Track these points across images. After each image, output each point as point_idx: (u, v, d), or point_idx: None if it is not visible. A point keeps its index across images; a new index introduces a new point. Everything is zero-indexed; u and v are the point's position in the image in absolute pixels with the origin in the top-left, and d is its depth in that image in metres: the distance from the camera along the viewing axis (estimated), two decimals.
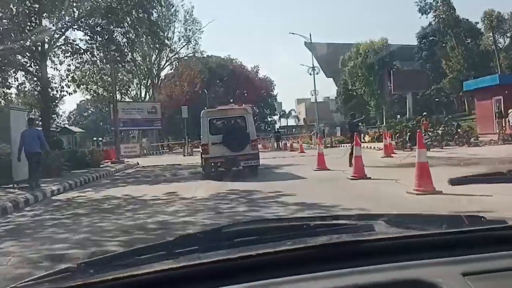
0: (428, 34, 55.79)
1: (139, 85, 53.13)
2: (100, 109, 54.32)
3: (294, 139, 41.07)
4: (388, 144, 22.33)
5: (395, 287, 0.90)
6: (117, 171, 20.79)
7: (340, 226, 1.35)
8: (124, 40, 25.95)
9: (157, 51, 52.04)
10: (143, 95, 52.85)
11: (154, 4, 26.12)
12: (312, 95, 76.57)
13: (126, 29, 25.85)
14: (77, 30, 25.91)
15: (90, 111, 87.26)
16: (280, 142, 36.76)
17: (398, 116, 33.59)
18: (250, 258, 0.96)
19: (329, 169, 14.69)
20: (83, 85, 26.59)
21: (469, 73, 40.99)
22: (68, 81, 26.25)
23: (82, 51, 26.08)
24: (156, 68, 52.83)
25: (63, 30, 25.41)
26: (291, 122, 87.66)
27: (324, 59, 76.63)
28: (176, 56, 53.82)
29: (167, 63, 53.78)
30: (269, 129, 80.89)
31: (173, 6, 51.90)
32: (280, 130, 38.36)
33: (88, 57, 26.44)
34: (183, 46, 53.31)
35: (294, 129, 70.30)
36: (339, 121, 69.84)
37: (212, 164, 13.97)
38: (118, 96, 51.01)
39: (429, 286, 0.88)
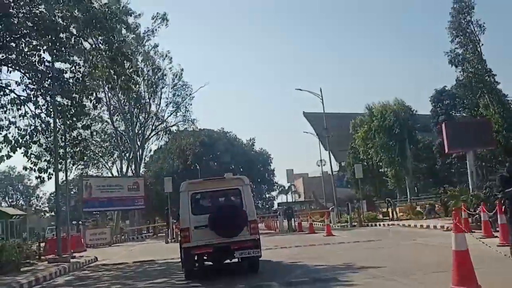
0: (444, 97, 49.22)
1: (119, 158, 44.75)
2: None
3: (304, 216, 32.34)
4: (464, 221, 13.98)
5: None
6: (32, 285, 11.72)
7: None
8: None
9: (139, 118, 44.43)
10: (124, 170, 44.31)
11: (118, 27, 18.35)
12: (318, 165, 69.28)
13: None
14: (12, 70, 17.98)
15: (73, 192, 78.24)
16: (293, 221, 27.99)
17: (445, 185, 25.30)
18: None
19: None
20: (20, 147, 18.06)
21: (509, 134, 33.32)
22: None
23: (19, 100, 18.10)
24: (140, 139, 44.79)
25: None
26: (290, 198, 79.11)
27: (322, 130, 70.12)
28: (164, 125, 46.12)
29: (153, 133, 45.81)
30: (267, 206, 72.09)
31: (160, 70, 44.86)
32: (291, 206, 29.52)
33: (28, 108, 18.37)
34: (171, 114, 45.75)
35: (302, 206, 61.58)
36: (345, 196, 61.79)
37: (196, 256, 9.82)
38: (91, 171, 44.16)
39: None
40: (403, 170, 40.32)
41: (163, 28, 43.36)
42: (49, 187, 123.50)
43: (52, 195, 78.48)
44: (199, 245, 9.58)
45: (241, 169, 62.91)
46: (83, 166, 43.17)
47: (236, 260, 10.41)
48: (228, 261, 10.57)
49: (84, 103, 18.71)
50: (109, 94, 43.82)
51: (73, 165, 22.17)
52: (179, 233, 12.21)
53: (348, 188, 58.37)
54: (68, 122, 18.76)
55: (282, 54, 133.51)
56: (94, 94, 18.24)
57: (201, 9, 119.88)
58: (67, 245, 22.54)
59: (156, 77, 44.73)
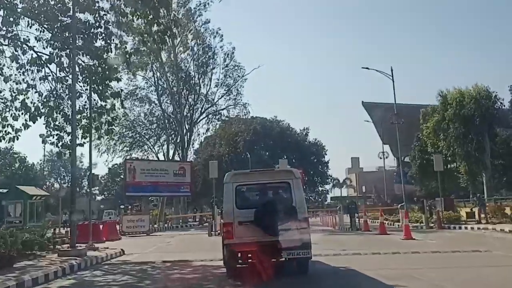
0: None
1: (166, 142, 41.66)
2: None
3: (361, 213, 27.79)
4: None
5: None
6: None
7: None
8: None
9: (188, 100, 41.12)
10: (171, 155, 41.21)
11: None
12: (381, 158, 64.18)
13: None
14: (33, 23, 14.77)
15: (122, 177, 77.01)
16: (356, 218, 23.54)
17: None
18: None
19: None
20: (40, 116, 14.82)
21: None
22: (16, 109, 14.92)
23: (40, 61, 14.94)
24: (189, 122, 41.51)
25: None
26: (344, 192, 74.37)
27: (381, 122, 64.63)
28: (214, 108, 42.61)
29: (202, 116, 42.39)
30: (319, 200, 67.74)
31: (211, 49, 41.28)
32: (355, 200, 24.89)
33: (49, 70, 15.18)
34: (222, 96, 42.11)
35: (357, 201, 56.64)
36: (406, 193, 56.50)
37: (239, 254, 8.78)
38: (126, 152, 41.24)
39: None
40: (480, 165, 34.80)
41: (216, 3, 39.73)
42: (101, 169, 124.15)
43: (103, 178, 77.52)
44: (243, 242, 8.68)
45: (294, 160, 58.94)
46: (128, 149, 40.55)
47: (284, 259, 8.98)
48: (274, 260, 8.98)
49: (114, 65, 15.32)
50: (158, 74, 40.97)
51: (98, 139, 18.64)
52: (222, 228, 10.33)
53: (410, 185, 52.86)
54: (94, 87, 15.40)
55: (343, 39, 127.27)
56: (122, 48, 14.61)
57: None
58: (95, 233, 19.52)
59: (207, 56, 41.15)
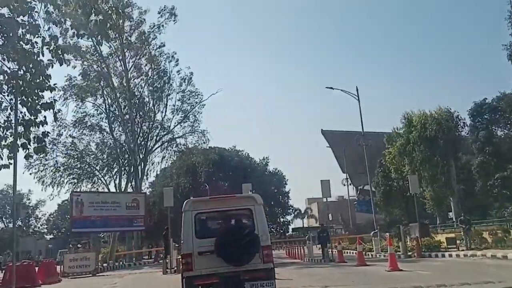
0: (484, 110, 42.92)
1: (118, 173, 38.31)
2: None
3: (340, 242, 25.41)
4: None
5: None
6: None
7: None
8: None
9: (142, 127, 38.27)
10: (123, 186, 37.83)
11: None
12: (344, 184, 62.52)
13: None
14: None
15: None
16: (327, 248, 21.03)
17: None
18: None
19: None
20: None
21: None
22: None
23: None
24: (143, 151, 38.45)
25: None
26: (306, 223, 72.13)
27: (340, 150, 63.47)
28: (170, 136, 39.80)
29: (158, 144, 39.46)
30: (281, 231, 65.16)
31: (166, 74, 38.80)
32: (327, 228, 22.26)
33: None
34: (179, 123, 39.42)
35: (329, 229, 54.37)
36: (365, 221, 54.78)
37: None
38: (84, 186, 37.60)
39: None
40: (447, 190, 33.49)
41: (170, 25, 37.50)
42: (50, 207, 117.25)
43: (52, 215, 72.27)
44: (204, 274, 8.21)
45: (254, 191, 56.52)
46: (76, 181, 36.88)
47: None
48: None
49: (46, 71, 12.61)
50: (108, 100, 37.98)
51: (26, 158, 15.48)
52: (180, 259, 10.11)
53: (368, 213, 51.17)
54: (23, 98, 12.57)
55: (305, 64, 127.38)
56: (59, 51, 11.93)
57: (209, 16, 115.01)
58: (29, 275, 16.30)
59: (162, 81, 38.58)
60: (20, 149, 12.96)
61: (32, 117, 12.66)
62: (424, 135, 32.36)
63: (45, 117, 12.95)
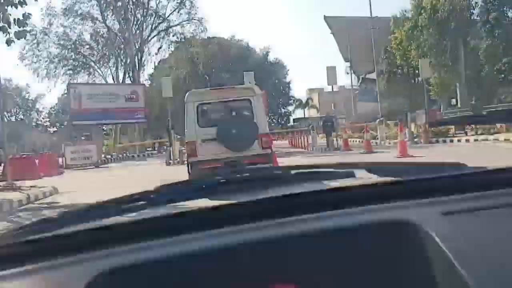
0: None
1: (114, 65, 36.92)
2: None
3: (346, 130, 24.98)
4: None
5: (374, 228, 0.91)
6: None
7: (320, 173, 1.33)
8: None
9: (136, 15, 36.05)
10: (120, 78, 36.64)
11: None
12: (348, 73, 61.23)
13: None
14: None
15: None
16: (332, 137, 20.51)
17: None
18: (227, 207, 0.97)
19: None
20: None
21: None
22: None
23: None
24: (138, 41, 36.64)
25: None
26: (307, 113, 71.80)
27: (343, 37, 60.98)
28: (165, 24, 37.72)
29: (154, 34, 37.53)
30: (282, 122, 65.10)
31: None
32: (332, 117, 21.57)
33: None
34: (174, 10, 37.14)
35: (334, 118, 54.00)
36: (367, 110, 54.28)
37: (203, 171, 8.77)
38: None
39: (408, 226, 0.89)
40: (455, 75, 32.32)
41: None
42: (50, 100, 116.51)
43: (52, 109, 71.87)
44: (206, 160, 8.81)
45: (255, 80, 55.38)
46: (71, 72, 35.67)
47: None
48: None
49: None
50: None
51: (7, 44, 13.70)
52: (183, 149, 11.33)
53: (374, 103, 50.48)
54: None
55: None
56: None
57: None
58: (29, 168, 15.95)
59: None
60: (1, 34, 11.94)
61: None
62: (435, 17, 30.36)
63: None
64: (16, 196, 10.37)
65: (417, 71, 34.67)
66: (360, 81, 65.58)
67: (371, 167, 1.32)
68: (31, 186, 12.22)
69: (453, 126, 20.64)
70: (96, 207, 1.16)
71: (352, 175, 1.22)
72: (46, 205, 9.70)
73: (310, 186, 1.09)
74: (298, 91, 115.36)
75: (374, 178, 1.23)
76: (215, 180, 1.30)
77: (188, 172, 9.10)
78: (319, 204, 0.96)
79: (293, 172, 1.35)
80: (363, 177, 1.22)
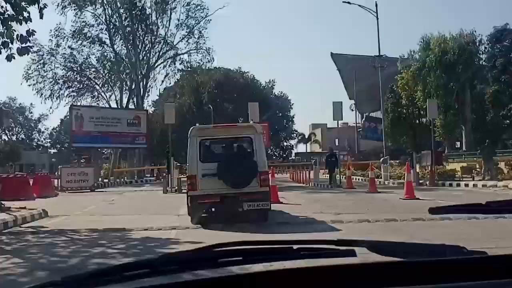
0: (504, 37, 40.24)
1: (119, 88, 36.78)
2: None
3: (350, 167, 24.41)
4: None
5: None
6: None
7: (321, 250, 1.25)
8: None
9: (144, 41, 36.16)
10: (124, 102, 36.45)
11: None
12: (353, 110, 61.10)
13: None
14: None
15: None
16: (335, 173, 19.96)
17: None
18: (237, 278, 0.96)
19: None
20: None
21: None
22: None
23: None
24: (145, 66, 36.63)
25: None
26: (309, 148, 71.53)
27: (349, 75, 61.16)
28: (173, 52, 37.80)
29: (161, 60, 37.55)
30: (284, 155, 64.66)
31: None
32: (336, 152, 20.88)
33: None
34: (183, 38, 37.27)
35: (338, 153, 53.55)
36: (369, 148, 53.90)
37: (202, 206, 9.35)
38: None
39: None
40: (460, 117, 32.03)
41: None
42: (53, 121, 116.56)
43: (55, 130, 71.70)
44: (206, 194, 9.21)
45: (259, 113, 55.15)
46: (75, 94, 35.52)
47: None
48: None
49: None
50: (109, 10, 35.52)
51: (8, 60, 13.30)
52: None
53: (378, 141, 50.04)
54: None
55: None
56: None
57: None
58: (22, 188, 15.44)
59: None
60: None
61: (15, 14, 11.15)
62: (444, 59, 30.33)
63: (29, 12, 11.49)
64: (3, 217, 9.82)
65: (422, 112, 34.44)
66: (364, 118, 65.54)
67: (372, 245, 1.26)
68: (20, 208, 11.67)
69: (459, 169, 20.19)
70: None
71: (352, 253, 1.18)
72: (32, 229, 9.14)
73: None
74: (301, 125, 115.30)
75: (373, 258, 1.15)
76: None
77: (188, 204, 9.36)
78: None
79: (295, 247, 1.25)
80: (363, 257, 1.16)
